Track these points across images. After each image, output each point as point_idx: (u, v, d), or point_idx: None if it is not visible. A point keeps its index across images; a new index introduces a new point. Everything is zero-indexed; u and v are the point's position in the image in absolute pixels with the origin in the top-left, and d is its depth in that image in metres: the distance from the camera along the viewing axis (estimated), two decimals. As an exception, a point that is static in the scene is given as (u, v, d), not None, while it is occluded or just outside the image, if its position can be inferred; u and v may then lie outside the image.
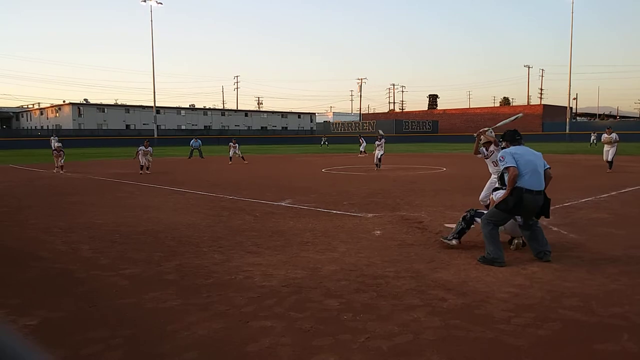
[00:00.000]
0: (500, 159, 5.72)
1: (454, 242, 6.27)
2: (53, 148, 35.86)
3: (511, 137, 5.87)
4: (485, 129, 7.40)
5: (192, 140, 31.87)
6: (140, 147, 19.30)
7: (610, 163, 17.12)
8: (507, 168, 5.53)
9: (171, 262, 5.61)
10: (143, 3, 59.58)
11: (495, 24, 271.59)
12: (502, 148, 5.89)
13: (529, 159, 5.54)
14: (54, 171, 19.75)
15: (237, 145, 25.32)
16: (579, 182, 13.82)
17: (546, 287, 4.57)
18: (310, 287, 4.63)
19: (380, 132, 21.26)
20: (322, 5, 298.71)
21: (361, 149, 31.87)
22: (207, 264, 5.50)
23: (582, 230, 7.19)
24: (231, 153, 24.97)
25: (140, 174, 18.22)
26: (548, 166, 5.74)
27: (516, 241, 6.16)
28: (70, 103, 78.53)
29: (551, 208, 9.13)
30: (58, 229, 7.72)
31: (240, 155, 25.20)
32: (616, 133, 17.52)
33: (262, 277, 4.98)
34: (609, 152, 17.35)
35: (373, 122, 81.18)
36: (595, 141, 42.18)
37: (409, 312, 3.95)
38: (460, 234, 6.25)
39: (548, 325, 3.65)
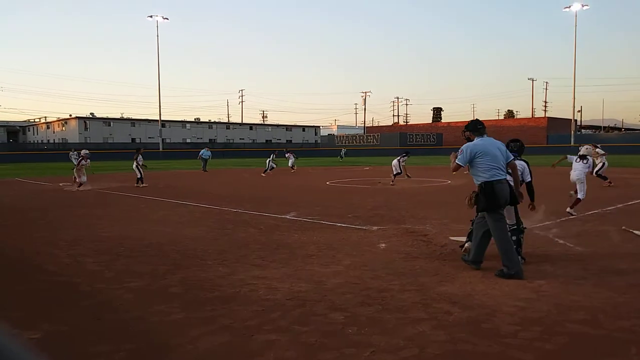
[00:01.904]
0: (460, 152, 5.77)
1: (467, 245, 6.32)
2: (76, 163, 35.83)
3: (473, 126, 5.87)
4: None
5: (203, 150, 30.14)
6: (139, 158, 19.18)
7: (601, 176, 16.92)
8: (459, 162, 5.69)
9: (176, 275, 5.61)
10: (149, 19, 60.30)
11: (499, 37, 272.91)
12: (467, 139, 5.91)
13: (494, 153, 5.61)
14: (77, 188, 17.54)
15: (292, 155, 28.46)
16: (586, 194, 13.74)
17: (553, 300, 4.53)
18: (314, 300, 4.61)
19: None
20: (327, 19, 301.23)
21: (290, 164, 28.94)
22: (211, 277, 5.49)
23: (589, 243, 7.14)
24: (290, 163, 28.18)
25: (136, 186, 18.38)
26: (512, 157, 5.83)
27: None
28: (77, 117, 79.30)
29: (557, 220, 9.12)
30: (63, 242, 7.73)
31: (291, 166, 27.84)
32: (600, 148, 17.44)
33: (266, 290, 4.96)
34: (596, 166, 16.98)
35: (377, 135, 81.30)
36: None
37: (415, 325, 3.92)
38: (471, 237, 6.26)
39: (555, 339, 3.62)
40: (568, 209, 10.08)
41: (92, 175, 19.58)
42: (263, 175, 25.06)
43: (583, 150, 11.02)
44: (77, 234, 8.44)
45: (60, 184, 20.20)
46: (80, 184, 17.57)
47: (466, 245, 6.42)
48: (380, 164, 37.50)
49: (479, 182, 5.62)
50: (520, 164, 6.30)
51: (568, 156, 11.59)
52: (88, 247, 7.36)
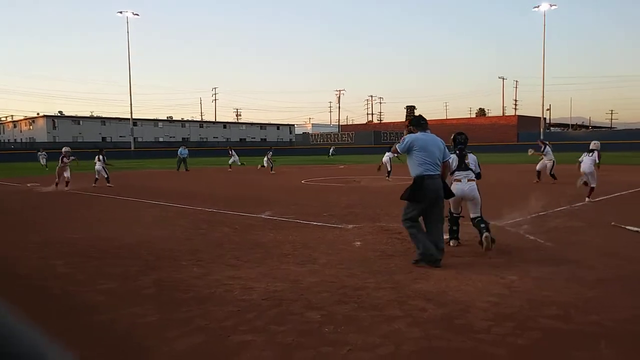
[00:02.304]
0: (401, 140, 6.14)
1: (451, 243, 6.93)
2: (44, 163, 34.98)
3: (417, 122, 6.22)
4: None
5: (181, 149, 29.39)
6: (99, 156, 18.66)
7: (539, 173, 17.28)
8: (398, 147, 6.16)
9: (149, 277, 5.52)
10: (119, 14, 59.18)
11: (471, 37, 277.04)
12: (409, 132, 6.23)
13: (431, 149, 5.91)
14: (65, 188, 17.04)
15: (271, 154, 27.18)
16: (554, 190, 14.07)
17: (525, 296, 4.62)
18: (290, 299, 4.60)
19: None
20: (300, 18, 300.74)
21: (230, 162, 29.45)
22: (186, 278, 5.42)
23: (559, 239, 7.31)
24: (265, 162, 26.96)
25: (94, 186, 17.88)
26: (448, 158, 6.21)
27: (485, 235, 6.45)
28: (45, 115, 77.35)
29: (527, 217, 9.31)
30: (32, 245, 7.53)
31: (271, 166, 26.72)
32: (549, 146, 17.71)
33: (242, 290, 4.92)
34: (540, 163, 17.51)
35: (352, 134, 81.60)
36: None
37: (390, 323, 3.95)
38: (453, 233, 7.01)
39: (528, 334, 3.69)
40: (587, 199, 11.65)
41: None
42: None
43: (592, 145, 12.30)
44: (48, 236, 8.23)
45: (29, 185, 19.69)
46: (68, 182, 17.18)
47: (451, 242, 6.95)
48: (355, 162, 37.69)
49: (413, 175, 5.96)
50: (472, 157, 6.99)
51: (580, 159, 12.33)
52: (58, 249, 7.18)
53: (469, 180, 6.86)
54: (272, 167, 26.61)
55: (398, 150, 6.20)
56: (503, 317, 4.04)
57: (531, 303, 4.40)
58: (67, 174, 17.29)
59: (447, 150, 6.14)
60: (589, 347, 3.48)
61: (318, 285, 5.07)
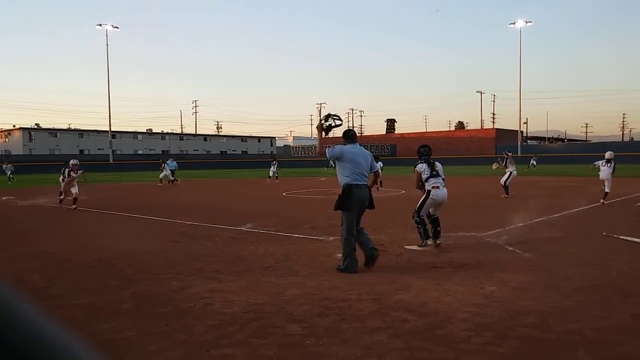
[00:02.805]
0: (332, 147, 6.56)
1: (429, 242, 7.51)
2: (9, 175, 33.85)
3: (346, 134, 6.72)
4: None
5: (169, 161, 28.43)
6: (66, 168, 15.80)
7: (506, 188, 16.47)
8: (327, 152, 6.58)
9: (127, 291, 5.43)
10: (99, 27, 58.74)
11: (450, 52, 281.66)
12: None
13: (359, 161, 6.35)
14: (74, 206, 14.93)
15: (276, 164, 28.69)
16: (531, 202, 14.29)
17: (504, 305, 4.66)
18: (272, 312, 4.57)
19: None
20: (282, 31, 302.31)
21: (161, 176, 27.02)
22: (165, 292, 5.35)
23: (536, 249, 7.41)
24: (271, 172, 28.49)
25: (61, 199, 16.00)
26: (377, 168, 6.69)
27: (439, 243, 7.51)
28: (21, 128, 75.93)
29: (506, 228, 9.43)
30: (6, 258, 7.36)
31: (276, 175, 28.79)
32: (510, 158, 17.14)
33: (222, 303, 4.87)
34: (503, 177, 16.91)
35: (333, 146, 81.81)
36: (534, 164, 43.97)
37: (372, 334, 3.95)
38: (426, 234, 7.52)
39: (507, 343, 3.72)
40: (601, 200, 13.62)
41: (40, 189, 18.56)
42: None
43: (607, 155, 14.16)
44: (22, 250, 8.05)
45: (4, 198, 19.27)
46: (76, 198, 15.11)
47: (429, 242, 7.53)
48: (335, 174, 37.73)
49: (342, 184, 6.34)
50: (439, 165, 7.74)
51: (595, 162, 14.71)
52: (33, 262, 7.03)
53: (444, 187, 7.66)
54: (277, 177, 28.89)
55: (327, 155, 6.57)
56: (483, 327, 4.07)
57: (510, 313, 4.44)
58: (75, 190, 15.25)
59: (374, 162, 6.61)
60: (567, 355, 3.53)
61: (300, 297, 5.04)
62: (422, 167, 7.71)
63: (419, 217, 7.61)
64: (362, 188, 6.30)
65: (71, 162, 15.67)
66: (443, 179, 7.70)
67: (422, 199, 7.70)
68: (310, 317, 4.40)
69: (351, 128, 6.89)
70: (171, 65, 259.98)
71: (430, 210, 7.74)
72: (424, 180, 7.68)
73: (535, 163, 44.33)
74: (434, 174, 7.62)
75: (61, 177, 15.81)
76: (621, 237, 8.21)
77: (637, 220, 10.52)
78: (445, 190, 7.69)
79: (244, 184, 26.79)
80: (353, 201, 6.21)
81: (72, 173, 15.50)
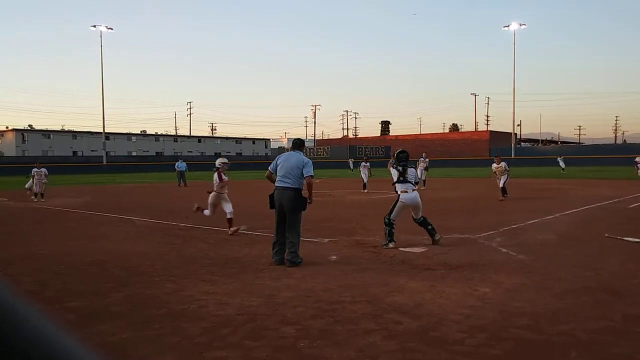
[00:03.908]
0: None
1: (391, 245, 7.79)
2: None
3: (293, 142, 7.48)
4: None
5: (178, 162, 28.18)
6: (34, 170, 18.29)
7: (503, 189, 16.25)
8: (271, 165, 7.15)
9: (121, 293, 5.41)
10: (93, 28, 58.53)
11: (444, 54, 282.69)
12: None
13: (287, 165, 6.89)
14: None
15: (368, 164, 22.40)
16: (525, 204, 14.36)
17: (497, 307, 4.68)
18: (265, 314, 4.56)
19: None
20: (276, 32, 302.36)
21: (27, 185, 25.46)
22: (159, 294, 5.33)
23: (530, 251, 7.44)
24: (365, 177, 21.97)
25: (34, 200, 17.67)
26: (308, 174, 6.93)
27: (437, 238, 7.98)
28: (14, 129, 75.46)
29: (500, 230, 9.46)
30: (-2, 261, 7.31)
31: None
32: (505, 162, 16.91)
33: (216, 306, 4.87)
34: (500, 179, 16.61)
35: (327, 148, 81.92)
36: (563, 166, 38.70)
37: (366, 336, 3.95)
38: (391, 236, 7.87)
39: (500, 345, 3.74)
40: None
41: (32, 191, 18.54)
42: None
43: (638, 158, 15.91)
44: (14, 252, 7.99)
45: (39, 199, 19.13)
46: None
47: (390, 245, 7.83)
48: (331, 176, 37.78)
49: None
50: (411, 170, 8.18)
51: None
52: (25, 265, 6.99)
53: (413, 190, 8.03)
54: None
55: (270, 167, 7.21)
56: (476, 329, 4.09)
57: (503, 314, 4.46)
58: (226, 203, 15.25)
59: (306, 167, 6.92)
60: (559, 356, 3.55)
61: (293, 299, 5.04)
62: (394, 172, 8.19)
63: (389, 219, 7.96)
64: (284, 189, 6.81)
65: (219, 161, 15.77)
66: (413, 184, 8.11)
67: (394, 202, 8.13)
68: (304, 319, 4.40)
69: (300, 138, 7.64)
70: (165, 66, 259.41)
71: (413, 215, 8.15)
72: (395, 183, 8.14)
73: (563, 165, 39.04)
74: (401, 179, 8.03)
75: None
76: (625, 238, 8.26)
77: (630, 222, 10.58)
78: (415, 193, 8.06)
79: (238, 186, 26.74)
80: (272, 201, 6.93)
81: (222, 176, 15.50)
